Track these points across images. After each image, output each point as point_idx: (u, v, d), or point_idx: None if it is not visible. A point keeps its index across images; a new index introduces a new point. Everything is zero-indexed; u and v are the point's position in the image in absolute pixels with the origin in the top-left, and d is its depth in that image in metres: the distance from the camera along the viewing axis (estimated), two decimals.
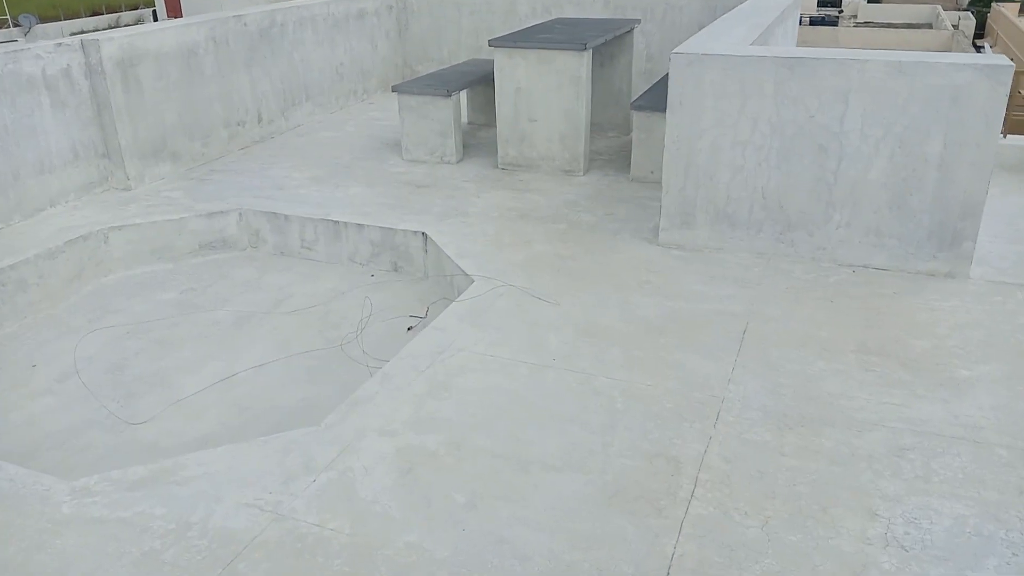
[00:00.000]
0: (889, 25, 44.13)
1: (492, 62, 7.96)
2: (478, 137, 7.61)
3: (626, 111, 7.55)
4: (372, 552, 2.61)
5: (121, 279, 5.58)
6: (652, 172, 6.12)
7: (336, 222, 5.60)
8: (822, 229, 4.64)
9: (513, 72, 6.32)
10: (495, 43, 6.33)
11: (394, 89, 6.76)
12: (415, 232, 5.38)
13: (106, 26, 36.63)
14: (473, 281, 4.60)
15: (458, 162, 6.85)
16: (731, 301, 4.27)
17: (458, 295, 4.59)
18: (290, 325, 4.91)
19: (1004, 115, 4.17)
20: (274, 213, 5.78)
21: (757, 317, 4.09)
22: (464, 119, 8.27)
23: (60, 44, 5.92)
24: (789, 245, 4.74)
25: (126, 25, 32.15)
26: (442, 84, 6.77)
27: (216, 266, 5.75)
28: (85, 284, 5.44)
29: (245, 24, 7.39)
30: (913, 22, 44.99)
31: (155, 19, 31.85)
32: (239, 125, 7.33)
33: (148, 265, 5.71)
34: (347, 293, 5.25)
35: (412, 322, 4.82)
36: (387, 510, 2.79)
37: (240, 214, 5.87)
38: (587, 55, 6.14)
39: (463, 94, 9.37)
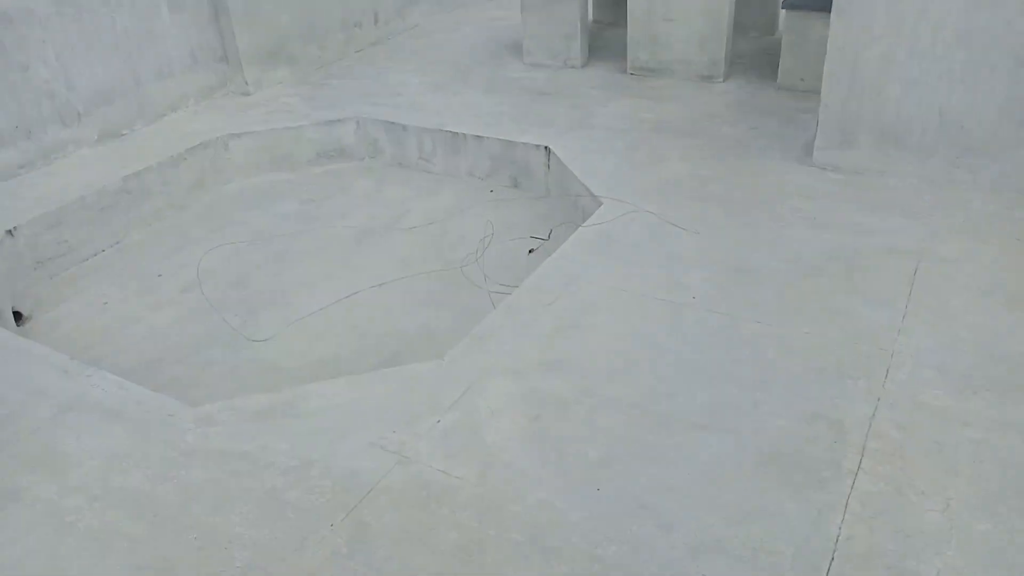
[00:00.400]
0: None
1: None
2: (604, 38, 7.05)
3: (771, 9, 6.80)
4: (502, 507, 2.42)
5: (241, 188, 5.52)
6: (802, 80, 5.49)
7: (455, 133, 5.30)
8: (1011, 155, 4.00)
9: None
10: None
11: None
12: (537, 146, 5.03)
13: None
14: (601, 204, 4.25)
15: (583, 66, 6.37)
16: (899, 236, 3.76)
17: (584, 218, 4.26)
18: (409, 242, 4.72)
19: None
20: (391, 123, 5.53)
21: (930, 256, 3.59)
22: (589, 17, 7.69)
23: None
24: (967, 172, 4.13)
25: None
26: None
27: (335, 177, 5.60)
28: (206, 192, 5.41)
29: None
30: None
31: None
32: (356, 27, 7.04)
33: (267, 174, 5.62)
34: (466, 211, 5.00)
35: (534, 244, 4.54)
36: (516, 460, 2.59)
37: (357, 123, 5.66)
38: None
39: None
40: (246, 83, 6.09)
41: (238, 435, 2.78)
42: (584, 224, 4.06)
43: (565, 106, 5.61)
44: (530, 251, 4.48)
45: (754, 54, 6.40)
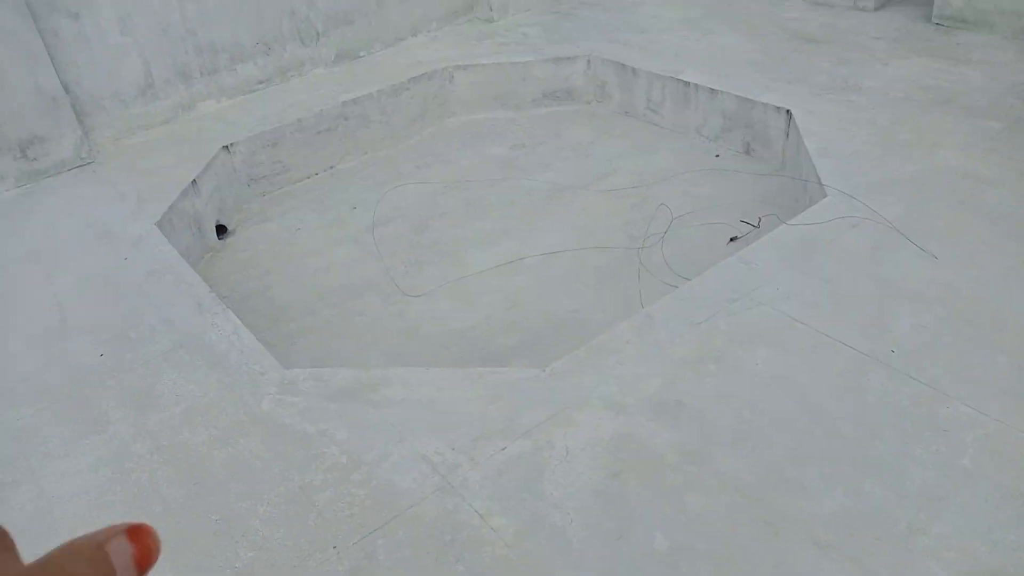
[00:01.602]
0: None
1: None
2: None
3: None
4: None
5: (462, 123, 5.33)
6: None
7: (687, 83, 4.58)
8: None
9: None
10: None
11: None
12: (778, 108, 4.16)
13: None
14: (826, 196, 3.38)
15: (876, 9, 5.17)
16: None
17: (808, 208, 3.43)
18: (601, 206, 4.21)
19: None
20: (622, 65, 4.93)
21: None
22: None
23: None
24: None
25: None
26: None
27: (554, 120, 5.18)
28: (427, 125, 5.29)
29: None
30: None
31: None
32: None
33: (489, 111, 5.35)
34: (678, 176, 4.34)
35: (741, 230, 3.80)
36: (567, 526, 2.11)
37: (588, 62, 5.14)
38: None
39: None
40: (491, 8, 5.81)
41: (309, 412, 2.61)
42: (789, 222, 3.26)
43: (832, 60, 4.59)
44: (731, 239, 3.75)
45: None
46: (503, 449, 2.37)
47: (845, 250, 3.03)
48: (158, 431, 2.62)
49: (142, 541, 0.35)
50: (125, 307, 3.26)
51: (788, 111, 4.10)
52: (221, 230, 4.44)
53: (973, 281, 2.78)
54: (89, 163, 4.50)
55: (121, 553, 0.34)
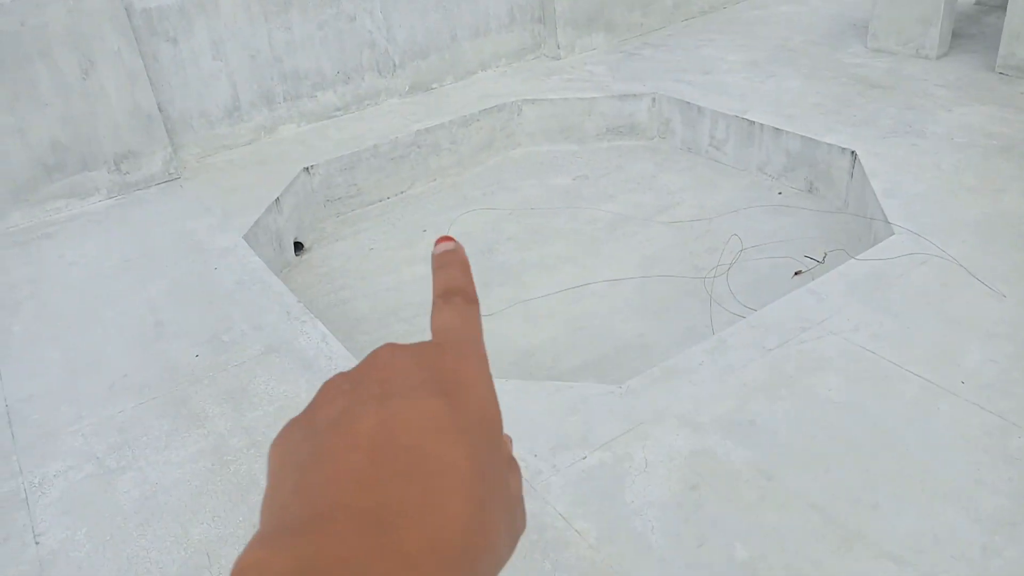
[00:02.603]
0: None
1: None
2: (981, 24, 5.77)
3: None
4: None
5: (526, 154, 5.52)
6: None
7: (751, 122, 4.72)
8: None
9: None
10: None
11: None
12: (843, 149, 4.27)
13: None
14: (893, 234, 3.47)
15: (939, 57, 5.27)
16: None
17: (872, 246, 3.52)
18: (664, 237, 4.34)
19: None
20: (687, 103, 5.09)
21: None
22: None
23: None
24: None
25: None
26: None
27: (618, 154, 5.35)
28: (494, 155, 5.49)
29: None
30: None
31: None
32: None
33: (554, 144, 5.54)
34: (741, 212, 4.45)
35: (806, 264, 3.89)
36: (648, 531, 2.22)
37: (653, 99, 5.31)
38: None
39: None
40: (558, 47, 6.02)
41: None
42: (858, 256, 3.35)
43: (897, 105, 4.69)
44: (796, 273, 3.85)
45: None
46: (583, 458, 2.48)
47: (913, 286, 3.11)
48: (254, 427, 2.78)
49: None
50: (217, 313, 3.45)
51: (853, 152, 4.20)
52: (298, 247, 4.65)
53: None
54: (176, 178, 4.76)
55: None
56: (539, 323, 3.80)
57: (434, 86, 5.74)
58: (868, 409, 2.55)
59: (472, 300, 0.43)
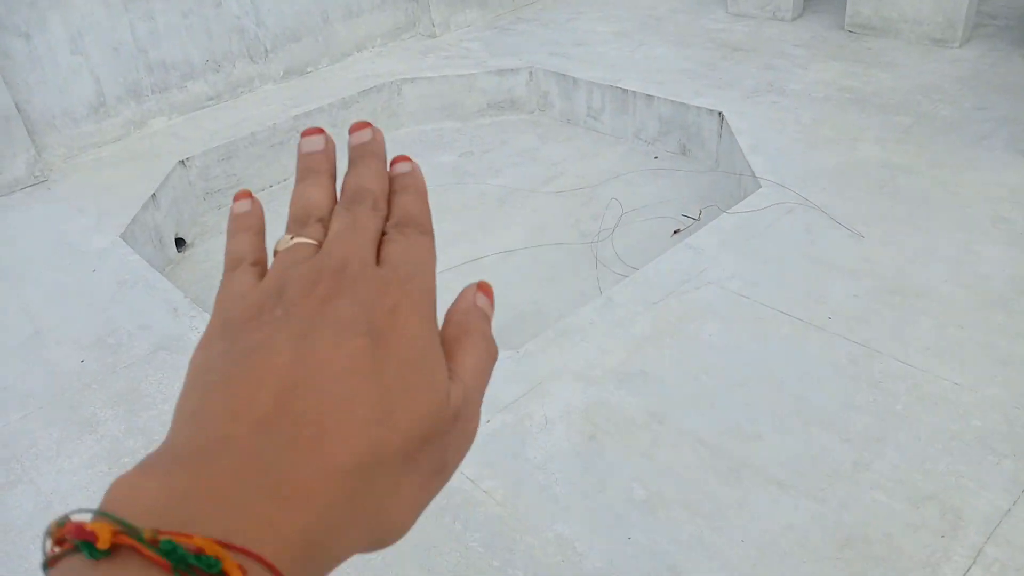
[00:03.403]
0: None
1: None
2: None
3: None
4: (516, 536, 2.17)
5: (410, 134, 5.52)
6: None
7: (624, 91, 4.88)
8: None
9: None
10: None
11: None
12: (710, 111, 4.49)
13: None
14: (760, 187, 3.69)
15: (794, 19, 5.59)
16: None
17: (745, 198, 3.73)
18: (551, 207, 4.45)
19: None
20: (563, 75, 5.21)
21: None
22: None
23: None
24: None
25: None
26: None
27: (500, 129, 5.42)
28: None
29: None
30: None
31: None
32: None
33: (437, 122, 5.56)
34: (621, 177, 4.61)
35: (683, 223, 4.08)
36: (552, 483, 2.32)
37: (530, 73, 5.40)
38: None
39: None
40: (432, 24, 6.03)
41: None
42: (729, 210, 3.55)
43: (757, 66, 4.96)
44: (674, 232, 4.03)
45: (1012, 15, 5.24)
46: (487, 422, 2.55)
47: (781, 233, 3.33)
48: (149, 427, 2.71)
49: (487, 289, 0.44)
50: (100, 316, 3.33)
51: (720, 113, 4.42)
52: (180, 243, 4.51)
53: (896, 256, 3.11)
54: (43, 181, 4.52)
55: (484, 302, 0.43)
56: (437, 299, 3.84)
57: (309, 70, 5.64)
58: (746, 349, 2.74)
59: (427, 231, 0.42)
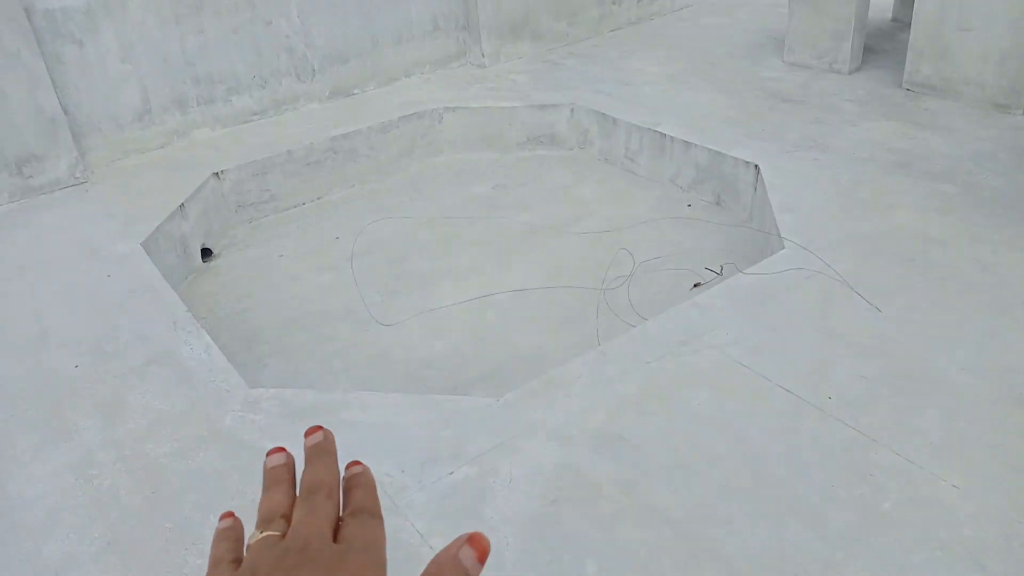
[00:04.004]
0: None
1: None
2: (896, 40, 5.91)
3: None
4: None
5: (447, 162, 5.51)
6: None
7: (663, 135, 4.77)
8: None
9: None
10: None
11: None
12: (747, 163, 4.34)
13: None
14: (783, 247, 3.53)
15: (851, 72, 5.38)
16: None
17: (765, 259, 3.57)
18: (574, 248, 4.36)
19: None
20: (603, 114, 5.13)
21: None
22: (889, 14, 6.50)
23: None
24: None
25: None
26: None
27: (537, 163, 5.36)
28: (415, 162, 5.46)
29: None
30: None
31: None
32: (613, 4, 6.64)
33: (475, 152, 5.54)
34: (650, 223, 4.49)
35: (706, 277, 3.94)
36: (502, 547, 2.21)
37: (572, 110, 5.33)
38: None
39: None
40: (483, 55, 6.02)
41: (269, 429, 2.72)
42: (745, 271, 3.40)
43: (805, 119, 4.78)
44: (694, 285, 3.89)
45: None
46: (450, 474, 2.47)
47: (795, 301, 3.17)
48: (123, 441, 2.72)
49: (479, 545, 0.46)
50: (104, 322, 3.38)
51: (756, 165, 4.27)
52: (206, 253, 4.57)
53: (913, 336, 2.91)
54: (83, 183, 4.66)
55: (468, 557, 0.46)
56: (442, 333, 3.79)
57: (355, 91, 5.70)
58: (734, 424, 2.59)
59: (376, 516, 0.51)
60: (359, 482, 0.53)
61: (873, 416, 2.57)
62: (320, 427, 0.54)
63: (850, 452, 2.45)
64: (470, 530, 1.80)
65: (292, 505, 0.52)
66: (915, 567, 2.08)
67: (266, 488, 0.54)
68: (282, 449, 0.55)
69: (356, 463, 0.54)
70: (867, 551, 2.13)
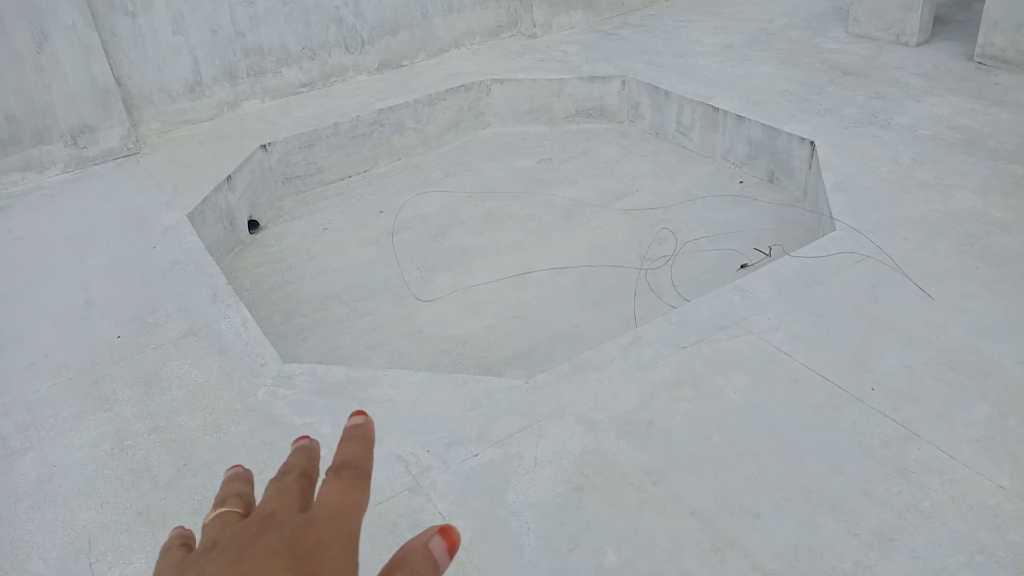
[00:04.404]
0: None
1: None
2: (970, 11, 5.58)
3: None
4: None
5: (494, 135, 5.44)
6: None
7: (716, 109, 4.61)
8: None
9: None
10: None
11: None
12: (802, 139, 4.16)
13: None
14: (834, 229, 3.38)
15: (919, 44, 5.11)
16: None
17: (814, 241, 3.43)
18: (618, 225, 4.26)
19: None
20: (655, 87, 4.98)
21: None
22: None
23: None
24: None
25: None
26: None
27: (585, 137, 5.26)
28: (461, 135, 5.42)
29: None
30: None
31: None
32: None
33: (523, 125, 5.45)
34: (699, 201, 4.36)
35: (754, 258, 3.81)
36: (522, 532, 2.18)
37: (623, 82, 5.20)
38: None
39: None
40: (534, 25, 5.91)
41: (299, 405, 2.73)
42: (792, 253, 3.27)
43: (867, 93, 4.56)
44: (741, 266, 3.77)
45: None
46: (475, 456, 2.45)
47: (844, 285, 3.03)
48: (158, 412, 2.77)
49: (449, 537, 0.46)
50: (146, 293, 3.44)
51: (812, 142, 4.09)
52: (253, 225, 4.62)
53: (966, 325, 2.76)
54: (135, 153, 4.75)
55: (438, 547, 0.45)
56: (479, 310, 3.76)
57: (404, 63, 5.66)
58: (769, 413, 2.49)
59: (362, 475, 0.48)
60: (354, 434, 0.50)
61: (916, 409, 2.45)
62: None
63: (889, 446, 2.34)
64: (492, 512, 1.78)
65: (248, 495, 0.51)
66: (953, 571, 1.98)
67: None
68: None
69: (359, 413, 0.52)
70: (901, 552, 2.03)
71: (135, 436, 2.67)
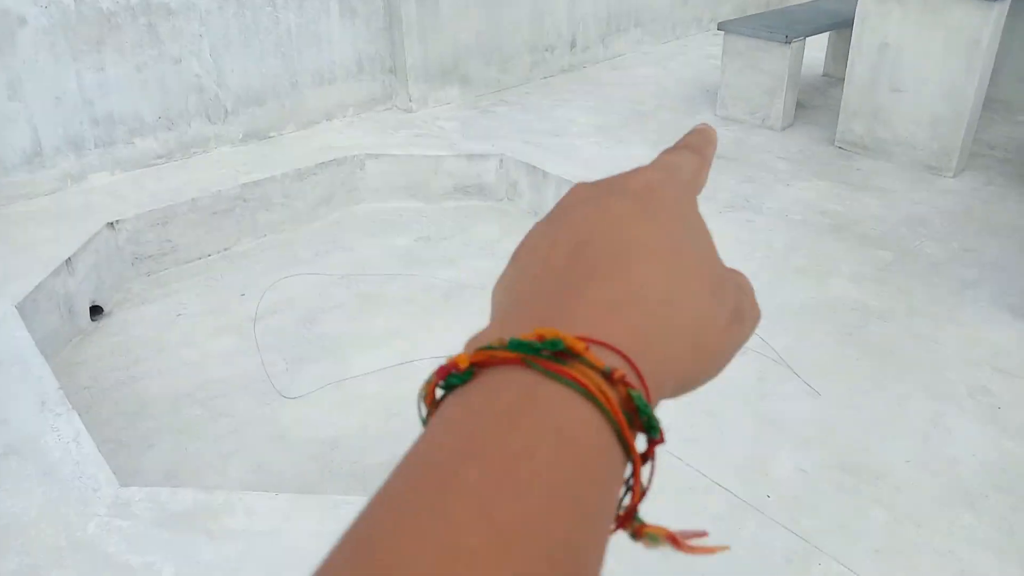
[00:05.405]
0: None
1: None
2: (828, 96, 5.90)
3: None
4: None
5: (369, 211, 5.20)
6: None
7: None
8: None
9: (882, 21, 4.55)
10: None
11: (720, 27, 5.36)
12: None
13: None
14: None
15: (783, 129, 5.31)
16: None
17: None
18: None
19: None
20: (533, 166, 4.92)
21: None
22: (820, 70, 6.51)
23: None
24: None
25: None
26: (783, 26, 5.20)
27: (464, 214, 5.11)
28: (334, 210, 5.15)
29: None
30: None
31: None
32: (547, 51, 6.49)
33: (399, 201, 5.25)
34: None
35: None
36: None
37: (501, 161, 5.11)
38: (997, 9, 4.15)
39: (818, 39, 7.44)
40: (410, 99, 5.78)
41: (137, 540, 2.35)
42: None
43: (737, 178, 4.65)
44: None
45: (1013, 147, 4.95)
46: None
47: (730, 380, 2.94)
48: None
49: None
50: None
51: None
52: (95, 310, 4.15)
53: (854, 423, 2.73)
54: None
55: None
56: (352, 408, 3.46)
57: (272, 134, 5.37)
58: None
59: (699, 153, 0.47)
60: (698, 129, 0.50)
61: (816, 519, 2.36)
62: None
63: (791, 563, 2.22)
64: None
65: None
66: None
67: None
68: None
69: (704, 124, 0.51)
70: None
71: None
